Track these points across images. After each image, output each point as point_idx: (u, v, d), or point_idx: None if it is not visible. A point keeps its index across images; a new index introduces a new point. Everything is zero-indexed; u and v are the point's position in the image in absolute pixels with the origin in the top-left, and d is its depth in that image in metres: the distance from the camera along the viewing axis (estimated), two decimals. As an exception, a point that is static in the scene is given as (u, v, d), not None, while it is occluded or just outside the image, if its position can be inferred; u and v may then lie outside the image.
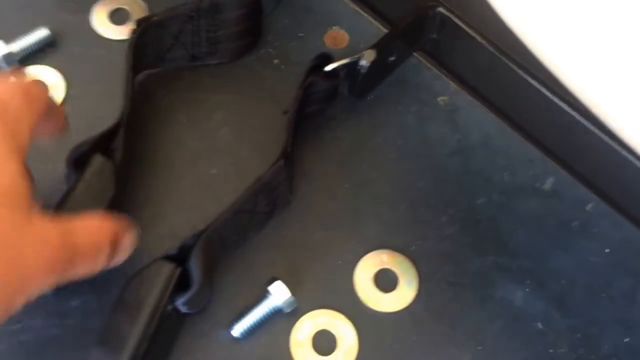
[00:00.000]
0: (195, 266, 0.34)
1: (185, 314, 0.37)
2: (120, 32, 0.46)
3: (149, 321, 0.32)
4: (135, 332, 0.31)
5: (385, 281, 0.41)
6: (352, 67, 0.41)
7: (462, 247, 0.43)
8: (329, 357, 0.39)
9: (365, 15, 0.50)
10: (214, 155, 0.44)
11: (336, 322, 0.39)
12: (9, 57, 0.43)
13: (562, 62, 0.26)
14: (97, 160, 0.36)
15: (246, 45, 0.46)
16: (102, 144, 0.37)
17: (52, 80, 0.44)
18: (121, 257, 0.34)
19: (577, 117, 0.42)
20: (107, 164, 0.37)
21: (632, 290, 0.42)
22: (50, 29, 0.45)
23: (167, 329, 0.34)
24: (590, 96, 0.27)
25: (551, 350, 0.41)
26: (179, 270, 0.34)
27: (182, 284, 0.34)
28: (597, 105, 0.27)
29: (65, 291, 0.38)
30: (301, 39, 0.48)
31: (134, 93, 0.40)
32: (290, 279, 0.40)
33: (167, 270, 0.33)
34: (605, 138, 0.42)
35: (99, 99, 0.44)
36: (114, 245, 0.33)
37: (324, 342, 0.39)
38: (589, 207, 0.45)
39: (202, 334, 0.39)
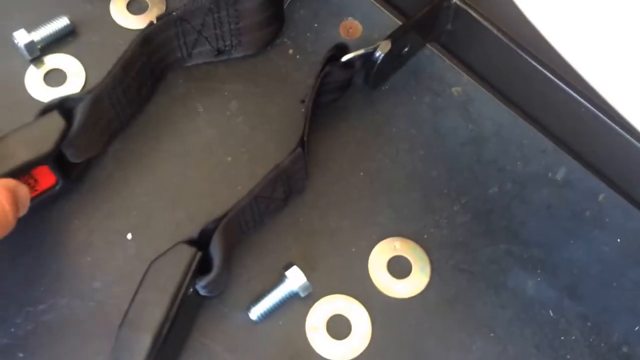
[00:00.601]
0: (215, 250, 0.35)
1: (204, 297, 0.38)
2: (138, 22, 0.47)
3: (172, 303, 0.33)
4: (159, 313, 0.32)
5: (398, 268, 0.42)
6: (368, 57, 0.42)
7: (475, 235, 0.43)
8: (343, 341, 0.39)
9: (379, 6, 0.50)
10: (230, 143, 0.44)
11: (350, 307, 0.40)
12: (30, 45, 0.44)
13: (582, 52, 0.27)
14: (50, 115, 0.37)
15: (270, 34, 0.46)
16: (67, 106, 0.38)
17: (71, 68, 0.45)
18: (22, 212, 0.36)
19: (590, 107, 0.42)
20: (58, 121, 0.37)
21: (643, 280, 0.43)
22: (70, 19, 0.46)
23: (188, 311, 0.35)
24: (607, 88, 0.27)
25: (562, 338, 0.41)
26: (199, 254, 0.35)
27: (202, 267, 0.35)
28: (612, 95, 0.27)
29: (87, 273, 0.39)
30: (316, 30, 0.48)
31: (122, 74, 0.41)
32: (306, 265, 0.40)
33: (188, 254, 0.34)
34: (618, 129, 0.42)
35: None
36: (15, 203, 0.34)
37: (339, 326, 0.40)
38: (600, 197, 0.45)
39: (220, 317, 0.39)
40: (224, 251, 0.35)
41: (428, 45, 0.48)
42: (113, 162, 0.43)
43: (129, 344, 0.32)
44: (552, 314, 0.42)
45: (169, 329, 0.33)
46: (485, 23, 0.44)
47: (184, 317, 0.34)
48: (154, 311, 0.32)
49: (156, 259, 0.34)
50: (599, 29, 0.25)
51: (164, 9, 0.47)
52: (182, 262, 0.34)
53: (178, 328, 0.34)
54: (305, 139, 0.39)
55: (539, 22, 0.27)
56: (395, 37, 0.42)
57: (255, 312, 0.38)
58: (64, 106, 0.37)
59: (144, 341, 0.32)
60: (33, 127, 0.36)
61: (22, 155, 0.35)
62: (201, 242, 0.35)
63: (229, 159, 0.44)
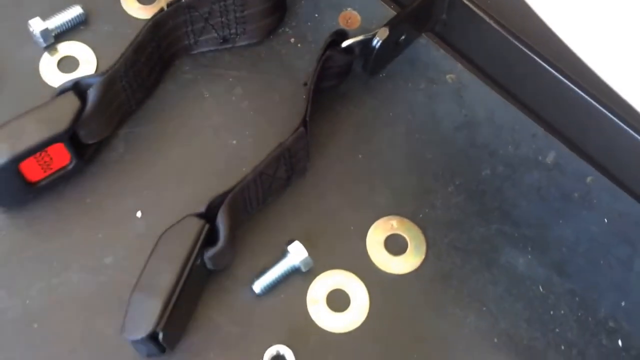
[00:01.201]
0: (221, 223, 0.37)
1: (210, 271, 0.40)
2: (147, 12, 0.49)
3: (181, 270, 0.35)
4: (169, 279, 0.34)
5: (395, 246, 0.44)
6: (367, 44, 0.44)
7: (468, 215, 0.45)
8: (342, 313, 0.41)
9: (378, -3, 0.52)
10: (235, 126, 0.47)
11: (349, 282, 0.42)
12: (45, 33, 0.46)
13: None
14: (66, 95, 0.39)
15: (273, 23, 0.48)
16: (81, 87, 0.40)
17: (83, 55, 0.47)
18: None
19: (580, 92, 0.44)
20: (73, 101, 0.39)
21: (629, 258, 0.45)
22: (83, 8, 0.48)
23: (195, 281, 0.37)
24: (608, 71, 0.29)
25: (551, 312, 0.43)
26: (207, 226, 0.37)
27: (209, 239, 0.37)
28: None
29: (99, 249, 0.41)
30: (316, 20, 0.51)
31: (133, 58, 0.43)
32: (307, 242, 0.42)
33: (197, 225, 0.36)
34: (607, 113, 0.44)
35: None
36: None
37: (338, 300, 0.42)
38: (589, 179, 0.47)
39: (225, 291, 0.42)
40: (230, 224, 0.37)
41: (424, 34, 0.50)
42: (123, 145, 0.45)
43: (141, 307, 0.34)
44: (542, 290, 0.44)
45: (178, 296, 0.35)
46: (479, 12, 0.46)
47: (191, 286, 0.37)
48: (164, 277, 0.34)
49: (166, 230, 0.37)
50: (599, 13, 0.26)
51: (172, -1, 0.50)
52: (191, 233, 0.36)
53: (186, 296, 0.36)
54: (307, 119, 0.41)
55: (538, 8, 0.29)
56: (393, 24, 0.44)
57: (258, 285, 0.41)
58: (78, 88, 0.39)
59: (155, 305, 0.34)
60: (49, 106, 0.38)
61: (39, 133, 0.37)
62: (208, 215, 0.37)
63: (234, 141, 0.46)
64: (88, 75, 0.41)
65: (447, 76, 0.50)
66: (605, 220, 0.46)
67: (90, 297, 0.41)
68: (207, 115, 0.47)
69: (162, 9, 0.43)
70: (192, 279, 0.36)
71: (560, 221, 0.46)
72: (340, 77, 0.46)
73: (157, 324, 0.34)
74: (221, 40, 0.47)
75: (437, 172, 0.47)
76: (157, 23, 0.43)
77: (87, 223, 0.43)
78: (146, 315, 0.34)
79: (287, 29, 0.50)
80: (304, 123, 0.40)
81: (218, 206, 0.37)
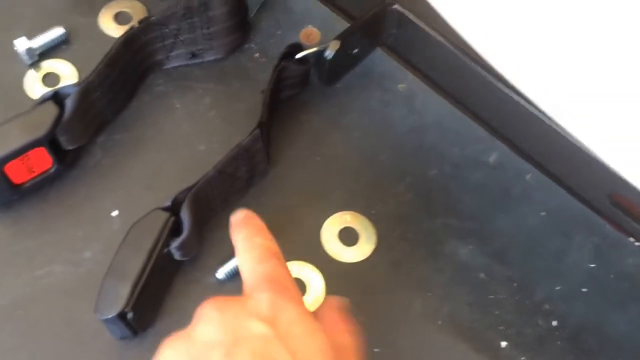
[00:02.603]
0: (185, 215, 0.41)
1: (179, 262, 0.44)
2: (123, 32, 0.53)
3: (148, 257, 0.39)
4: (137, 265, 0.39)
5: (348, 237, 0.48)
6: (320, 55, 0.48)
7: (417, 210, 0.50)
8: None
9: (337, 15, 0.57)
10: (203, 134, 0.51)
11: (306, 271, 0.46)
12: (29, 51, 0.51)
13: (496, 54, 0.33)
14: (45, 104, 0.44)
15: (238, 40, 0.53)
16: (60, 97, 0.44)
17: (65, 71, 0.52)
18: None
19: (517, 99, 0.49)
20: (52, 109, 0.43)
21: (564, 248, 0.49)
22: (65, 28, 0.53)
23: (163, 269, 0.42)
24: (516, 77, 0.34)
25: (492, 297, 0.47)
26: (172, 218, 0.41)
27: (175, 231, 0.41)
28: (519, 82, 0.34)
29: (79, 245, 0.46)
30: (279, 36, 0.55)
31: (107, 70, 0.47)
32: (267, 236, 0.47)
33: (162, 218, 0.41)
34: (541, 117, 0.48)
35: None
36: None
37: (296, 287, 0.46)
38: (528, 177, 0.52)
39: (194, 281, 0.46)
40: (194, 216, 0.41)
41: (378, 48, 0.55)
42: (101, 151, 0.50)
43: (112, 290, 0.38)
44: (483, 276, 0.48)
45: (146, 280, 0.39)
46: (424, 27, 0.51)
47: (159, 273, 0.41)
48: (133, 264, 0.39)
49: (136, 222, 0.41)
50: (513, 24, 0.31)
51: (146, 18, 0.54)
52: (157, 225, 0.40)
53: (155, 282, 0.40)
54: (263, 121, 0.45)
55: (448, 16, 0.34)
56: (344, 37, 0.48)
57: (221, 272, 0.45)
58: (57, 97, 0.44)
59: (125, 287, 0.38)
60: (31, 114, 0.43)
61: (21, 137, 0.42)
62: (174, 209, 0.42)
63: (202, 147, 0.51)
64: (66, 86, 0.45)
65: (399, 85, 0.54)
66: (543, 214, 0.50)
67: (72, 287, 0.45)
68: (178, 124, 0.51)
69: (132, 27, 0.48)
70: (160, 266, 0.40)
71: (501, 215, 0.50)
72: (298, 87, 0.51)
73: (126, 304, 0.38)
74: (190, 56, 0.52)
75: (389, 172, 0.51)
76: (128, 39, 0.48)
77: (68, 222, 0.47)
78: (116, 296, 0.38)
79: (253, 45, 0.55)
80: (260, 125, 0.45)
81: (182, 200, 0.42)
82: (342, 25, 0.56)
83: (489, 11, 0.33)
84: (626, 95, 0.30)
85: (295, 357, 0.31)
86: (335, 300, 0.39)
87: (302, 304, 0.35)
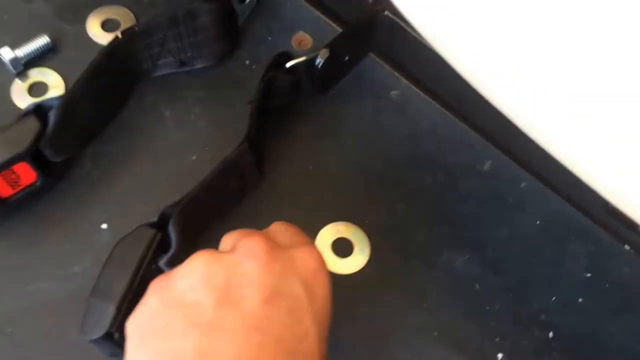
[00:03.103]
0: (173, 231, 0.40)
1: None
2: (111, 39, 0.53)
3: (134, 276, 0.38)
4: (122, 285, 0.38)
5: (341, 248, 0.47)
6: (310, 64, 0.48)
7: (411, 220, 0.49)
8: (292, 313, 0.45)
9: (328, 20, 0.56)
10: (194, 143, 0.50)
11: (298, 284, 0.45)
12: (15, 61, 0.50)
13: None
14: (27, 118, 0.43)
15: (227, 47, 0.52)
16: (43, 110, 0.44)
17: (52, 80, 0.51)
18: None
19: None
20: (34, 123, 0.42)
21: (559, 256, 0.49)
22: (50, 37, 0.52)
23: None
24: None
25: (487, 307, 0.47)
26: (159, 234, 0.40)
27: (164, 246, 0.41)
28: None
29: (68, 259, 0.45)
30: (270, 42, 0.54)
31: (91, 82, 0.46)
32: (260, 248, 0.46)
33: (149, 234, 0.40)
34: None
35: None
36: None
37: (288, 300, 0.45)
38: (522, 185, 0.51)
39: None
40: (182, 232, 0.41)
41: (371, 54, 0.54)
42: (90, 162, 0.49)
43: (97, 310, 0.38)
44: (478, 287, 0.47)
45: (132, 299, 0.38)
46: (414, 33, 0.50)
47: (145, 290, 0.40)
48: (118, 283, 0.38)
49: (121, 239, 0.40)
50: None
51: (134, 26, 0.53)
52: (142, 242, 0.39)
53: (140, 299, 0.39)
54: (251, 134, 0.44)
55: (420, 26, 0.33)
56: (334, 45, 0.48)
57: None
58: (40, 110, 0.43)
59: (109, 308, 0.37)
60: (11, 129, 0.42)
61: (1, 153, 0.41)
62: (161, 224, 0.41)
63: (193, 157, 0.50)
64: (49, 98, 0.44)
65: (392, 92, 0.54)
66: (537, 222, 0.50)
67: (60, 303, 0.44)
68: (168, 133, 0.51)
69: (116, 37, 0.47)
70: (149, 282, 0.40)
71: (496, 224, 0.50)
72: (290, 96, 0.50)
73: (111, 325, 0.37)
74: (179, 64, 0.51)
75: (382, 180, 0.50)
76: (112, 50, 0.47)
77: (57, 235, 0.46)
78: (101, 317, 0.37)
79: (243, 52, 0.54)
80: (247, 138, 0.44)
81: (170, 215, 0.41)
82: (334, 30, 0.56)
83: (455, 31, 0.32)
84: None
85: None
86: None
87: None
